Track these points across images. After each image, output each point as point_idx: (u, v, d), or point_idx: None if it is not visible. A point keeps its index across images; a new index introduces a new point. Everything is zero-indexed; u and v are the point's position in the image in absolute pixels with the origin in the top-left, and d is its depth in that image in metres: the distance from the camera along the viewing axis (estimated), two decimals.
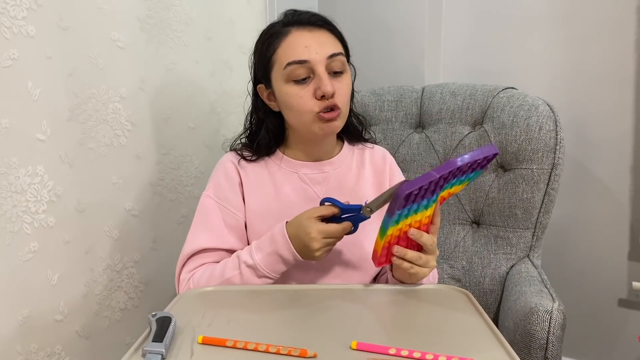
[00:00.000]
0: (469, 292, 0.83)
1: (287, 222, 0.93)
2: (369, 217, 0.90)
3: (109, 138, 1.17)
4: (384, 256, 0.86)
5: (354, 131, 1.11)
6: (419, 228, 0.86)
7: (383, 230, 0.80)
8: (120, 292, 1.23)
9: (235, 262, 0.94)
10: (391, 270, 0.94)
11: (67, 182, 1.07)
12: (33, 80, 0.99)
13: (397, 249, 0.85)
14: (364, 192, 1.06)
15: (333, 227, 0.89)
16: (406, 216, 0.81)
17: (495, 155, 0.81)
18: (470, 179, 0.88)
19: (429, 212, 0.85)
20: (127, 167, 1.22)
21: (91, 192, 1.13)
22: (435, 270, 1.04)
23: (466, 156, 0.78)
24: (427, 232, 0.87)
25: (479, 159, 0.79)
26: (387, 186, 1.08)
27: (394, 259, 0.86)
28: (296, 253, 0.90)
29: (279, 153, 1.06)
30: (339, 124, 0.98)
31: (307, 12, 0.98)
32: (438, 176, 0.76)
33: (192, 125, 1.40)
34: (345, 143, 1.10)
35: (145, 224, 1.28)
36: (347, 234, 0.92)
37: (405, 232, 0.84)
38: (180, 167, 1.38)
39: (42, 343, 1.04)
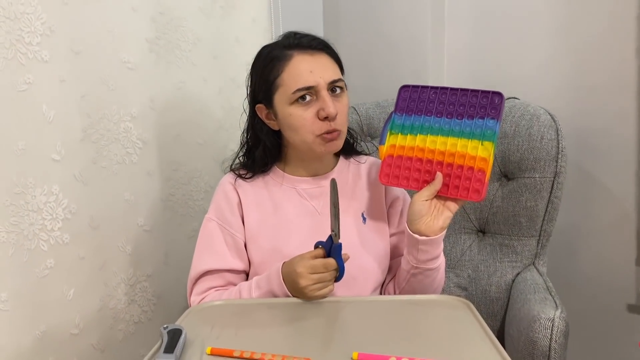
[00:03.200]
0: (469, 302, 0.85)
1: (284, 262, 0.95)
2: (340, 244, 0.90)
3: (120, 156, 1.20)
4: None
5: (348, 146, 1.13)
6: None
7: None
8: (134, 305, 1.26)
9: (237, 297, 0.98)
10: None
11: (81, 200, 1.11)
12: (47, 103, 1.03)
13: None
14: (360, 204, 1.09)
15: (317, 261, 0.90)
16: (411, 128, 0.98)
17: (499, 98, 0.93)
18: (479, 134, 0.93)
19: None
20: (138, 184, 1.26)
21: (104, 209, 1.17)
22: (443, 272, 1.05)
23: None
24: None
25: (477, 93, 0.94)
26: (383, 198, 1.10)
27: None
28: (288, 293, 0.92)
29: (278, 171, 1.09)
30: (340, 143, 1.02)
31: (307, 36, 1.02)
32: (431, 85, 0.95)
33: (201, 141, 1.43)
34: (341, 157, 1.14)
35: (157, 238, 1.32)
36: (336, 280, 0.92)
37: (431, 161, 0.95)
38: (191, 182, 1.42)
39: (59, 357, 1.07)
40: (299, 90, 0.97)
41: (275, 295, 0.93)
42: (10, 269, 0.97)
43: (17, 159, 0.98)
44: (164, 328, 0.74)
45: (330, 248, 0.90)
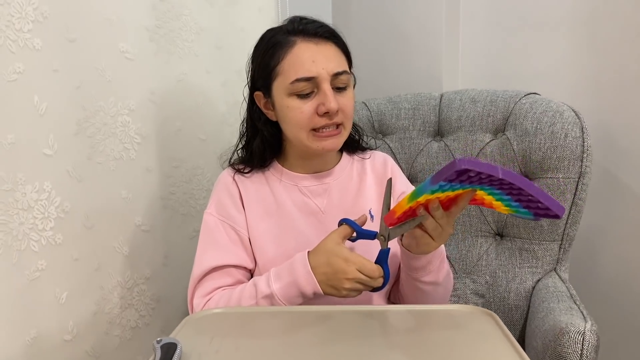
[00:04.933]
0: (494, 314, 0.78)
1: (309, 251, 0.89)
2: (389, 249, 0.85)
3: (118, 152, 1.14)
4: (398, 219, 0.80)
5: (351, 142, 1.07)
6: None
7: (417, 194, 0.74)
8: (131, 309, 1.19)
9: (252, 292, 0.90)
10: (400, 240, 0.90)
11: (75, 198, 1.04)
12: (39, 94, 0.96)
13: (435, 206, 0.78)
14: (367, 201, 1.02)
15: (371, 264, 0.84)
16: (443, 191, 0.74)
17: (556, 216, 0.72)
18: (514, 209, 0.77)
19: (456, 193, 0.77)
20: (137, 181, 1.19)
21: (100, 207, 1.10)
22: (450, 272, 0.99)
23: (535, 187, 0.69)
24: (446, 210, 0.80)
25: (540, 202, 0.71)
26: (390, 192, 1.04)
27: (421, 210, 0.79)
28: (318, 287, 0.85)
29: (278, 166, 1.03)
30: (340, 142, 0.96)
31: (314, 22, 0.95)
32: (500, 177, 0.67)
33: (203, 136, 1.37)
34: (344, 153, 1.08)
35: (156, 239, 1.25)
36: (375, 290, 0.87)
37: (422, 205, 0.79)
38: (192, 180, 1.35)
39: None
40: (297, 80, 0.90)
41: (299, 287, 0.86)
42: None
43: (6, 153, 0.91)
44: (157, 342, 0.67)
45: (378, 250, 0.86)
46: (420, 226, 0.81)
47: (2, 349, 0.92)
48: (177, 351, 0.65)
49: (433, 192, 0.73)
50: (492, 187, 0.73)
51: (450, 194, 0.76)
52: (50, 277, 1.00)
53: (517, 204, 0.75)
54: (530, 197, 0.71)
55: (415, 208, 0.79)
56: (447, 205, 0.80)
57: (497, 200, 0.77)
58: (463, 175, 0.68)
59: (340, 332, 0.76)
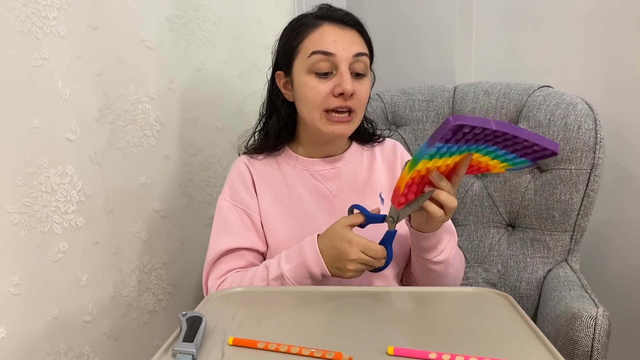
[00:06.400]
0: (509, 296, 0.80)
1: (318, 235, 0.91)
2: (395, 230, 0.86)
3: (137, 138, 1.16)
4: (404, 196, 0.80)
5: (365, 135, 1.10)
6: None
7: (415, 161, 0.73)
8: (148, 293, 1.22)
9: (264, 274, 0.92)
10: (409, 221, 0.91)
11: (96, 183, 1.07)
12: (63, 80, 0.98)
13: (435, 174, 0.78)
14: (377, 185, 1.05)
15: (374, 244, 0.85)
16: (441, 155, 0.74)
17: (553, 153, 0.74)
18: (511, 162, 0.79)
19: (453, 159, 0.78)
20: (155, 168, 1.21)
21: (120, 192, 1.13)
22: (460, 254, 1.01)
23: (528, 131, 0.71)
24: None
25: (536, 144, 0.72)
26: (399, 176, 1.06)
27: (428, 186, 0.80)
28: (326, 268, 0.87)
29: (289, 152, 1.06)
30: (350, 129, 0.98)
31: (342, 10, 0.99)
32: (494, 128, 0.68)
33: (220, 126, 1.39)
34: (354, 142, 1.10)
35: (174, 225, 1.27)
36: (377, 270, 0.88)
37: (423, 177, 0.79)
38: (209, 168, 1.37)
39: (70, 344, 1.03)
40: (314, 53, 0.93)
41: (307, 268, 0.88)
42: (22, 252, 0.93)
43: (31, 137, 0.93)
44: (183, 315, 0.69)
45: (385, 231, 0.87)
46: (431, 199, 0.82)
47: (26, 327, 0.95)
48: (203, 324, 0.67)
49: (431, 156, 0.74)
50: (486, 145, 0.75)
51: (449, 161, 0.77)
52: (72, 260, 1.02)
53: (512, 155, 0.77)
54: (525, 144, 0.72)
55: (418, 181, 0.79)
56: (447, 177, 0.81)
57: (492, 159, 0.79)
58: (458, 134, 0.69)
59: (355, 311, 0.77)
